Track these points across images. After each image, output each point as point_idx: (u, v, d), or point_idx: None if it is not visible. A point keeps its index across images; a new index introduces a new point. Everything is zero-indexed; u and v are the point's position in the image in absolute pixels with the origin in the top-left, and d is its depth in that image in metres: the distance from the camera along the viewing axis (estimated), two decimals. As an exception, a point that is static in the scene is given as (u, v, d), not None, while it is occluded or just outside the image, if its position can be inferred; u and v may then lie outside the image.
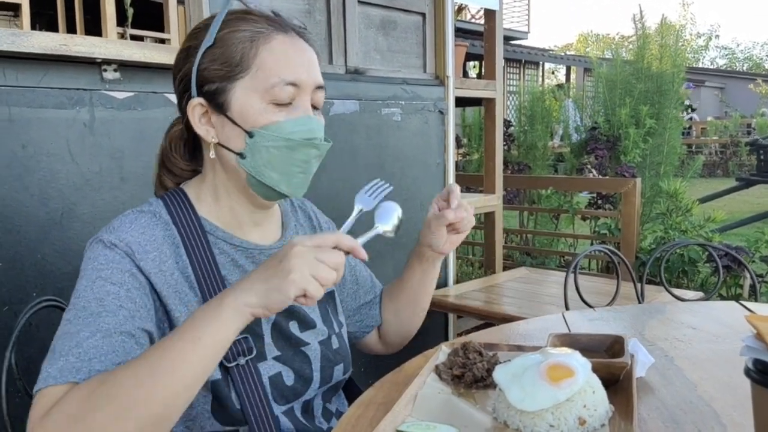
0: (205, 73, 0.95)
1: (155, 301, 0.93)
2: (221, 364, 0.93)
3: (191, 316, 0.83)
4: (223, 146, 0.97)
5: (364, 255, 0.86)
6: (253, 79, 0.94)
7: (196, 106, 0.97)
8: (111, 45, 1.72)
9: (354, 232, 0.93)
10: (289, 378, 1.01)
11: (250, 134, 0.94)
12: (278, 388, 0.99)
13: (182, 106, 1.00)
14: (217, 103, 0.95)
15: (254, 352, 0.96)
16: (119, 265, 0.90)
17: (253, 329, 0.98)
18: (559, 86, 10.08)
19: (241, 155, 0.96)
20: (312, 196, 1.04)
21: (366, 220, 1.04)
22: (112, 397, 0.76)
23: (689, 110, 15.84)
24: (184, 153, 1.07)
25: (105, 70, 1.75)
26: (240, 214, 1.03)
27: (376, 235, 0.98)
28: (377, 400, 0.98)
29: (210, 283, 0.96)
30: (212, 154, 0.98)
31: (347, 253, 0.85)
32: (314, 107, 1.00)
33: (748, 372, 0.67)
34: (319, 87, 0.99)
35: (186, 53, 0.99)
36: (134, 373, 0.78)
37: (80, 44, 1.65)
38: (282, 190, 0.98)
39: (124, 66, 1.78)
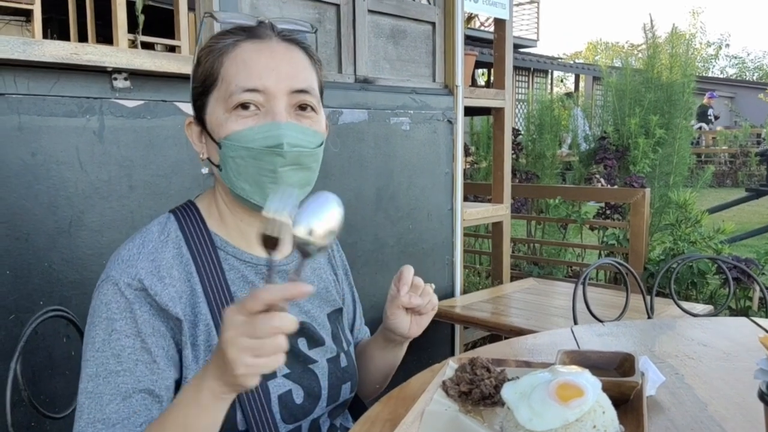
0: (194, 92, 0.99)
1: (175, 329, 0.92)
2: None
3: (176, 400, 0.84)
4: (210, 161, 1.00)
5: (305, 290, 0.73)
6: (219, 90, 0.95)
7: (191, 123, 1.01)
8: (122, 54, 1.72)
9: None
10: (298, 396, 1.00)
11: (219, 145, 0.95)
12: (287, 407, 0.98)
13: None
14: (200, 119, 0.99)
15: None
16: (133, 314, 0.90)
17: None
18: (568, 95, 10.07)
19: (219, 168, 0.97)
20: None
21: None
22: None
23: (712, 120, 15.77)
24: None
25: (115, 79, 1.75)
26: (244, 229, 1.02)
27: (308, 254, 0.78)
28: (383, 417, 0.97)
29: (219, 299, 0.96)
30: (204, 170, 1.01)
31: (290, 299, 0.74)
32: (301, 108, 0.96)
33: (762, 396, 0.66)
34: (300, 90, 0.95)
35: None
36: None
37: (91, 53, 1.65)
38: (256, 202, 0.94)
39: (134, 74, 1.79)
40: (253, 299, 0.71)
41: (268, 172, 0.93)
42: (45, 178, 1.64)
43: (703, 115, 15.95)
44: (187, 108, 1.90)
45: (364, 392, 1.22)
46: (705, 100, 16.38)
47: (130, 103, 1.79)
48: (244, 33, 0.97)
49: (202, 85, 0.97)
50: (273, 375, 0.98)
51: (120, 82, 1.76)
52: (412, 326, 1.09)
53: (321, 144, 0.99)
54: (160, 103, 1.86)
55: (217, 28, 1.02)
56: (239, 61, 0.94)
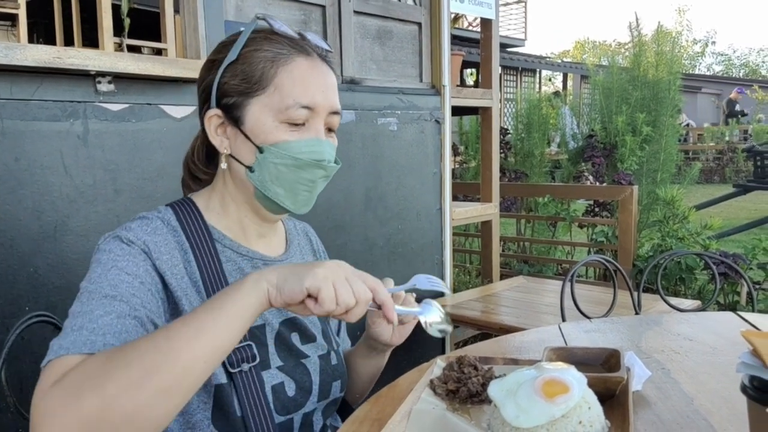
0: (225, 87, 0.99)
1: (166, 300, 0.95)
2: (225, 370, 0.94)
3: (216, 295, 0.83)
4: (235, 158, 1.01)
5: (392, 316, 0.88)
6: (269, 97, 0.97)
7: (213, 116, 1.01)
8: (105, 57, 1.71)
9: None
10: (290, 389, 1.02)
11: (261, 149, 0.98)
12: (280, 399, 1.00)
13: (202, 116, 1.04)
14: (233, 117, 0.99)
15: (257, 359, 0.97)
16: (135, 259, 0.92)
17: (257, 337, 1.00)
18: (556, 93, 10.11)
19: (250, 168, 0.99)
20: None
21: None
22: (128, 363, 0.73)
23: (740, 115, 15.75)
24: (205, 161, 1.11)
25: (99, 82, 1.74)
26: (246, 225, 1.06)
27: (413, 316, 1.04)
28: (372, 416, 0.97)
29: (216, 288, 0.98)
30: (224, 165, 1.03)
31: (378, 306, 0.88)
32: (329, 129, 1.03)
33: (744, 389, 0.67)
34: (335, 112, 1.02)
35: (210, 65, 1.03)
36: (152, 340, 0.76)
37: (74, 56, 1.64)
38: (286, 206, 1.01)
39: (118, 78, 1.78)
40: (369, 276, 0.88)
41: (306, 182, 1.00)
42: (29, 182, 1.62)
43: (732, 110, 15.98)
44: (172, 111, 1.90)
45: (347, 399, 1.23)
46: (732, 95, 16.47)
47: (114, 107, 1.78)
48: (295, 45, 1.00)
49: (245, 85, 0.98)
50: (267, 365, 1.00)
51: (104, 86, 1.75)
52: (394, 335, 1.10)
53: (337, 158, 1.06)
54: (145, 107, 1.85)
55: (203, 23, 1.02)
56: (296, 76, 0.98)
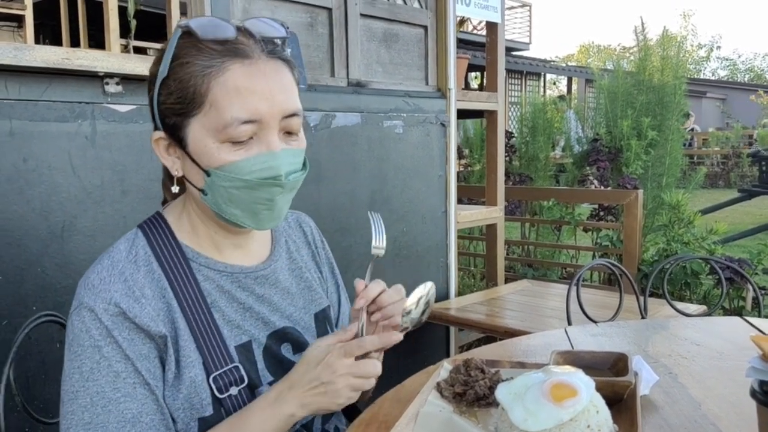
0: (163, 107, 0.91)
1: (160, 346, 0.91)
2: (213, 396, 0.91)
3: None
4: (188, 180, 0.94)
5: (395, 339, 0.91)
6: (206, 116, 0.88)
7: (159, 139, 0.93)
8: (113, 58, 1.72)
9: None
10: None
11: (207, 173, 0.90)
12: None
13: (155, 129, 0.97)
14: (177, 138, 0.91)
15: (246, 381, 0.93)
16: (115, 337, 0.87)
17: (244, 356, 0.96)
18: (561, 97, 10.10)
19: (203, 191, 0.92)
20: (313, 208, 1.03)
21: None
22: None
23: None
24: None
25: (107, 84, 1.75)
26: (218, 241, 1.00)
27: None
28: (378, 418, 0.97)
29: (195, 311, 0.93)
30: (175, 188, 0.96)
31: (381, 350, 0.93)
32: (288, 133, 0.93)
33: (754, 393, 0.67)
34: (291, 115, 0.91)
35: (150, 80, 0.94)
36: None
37: (82, 58, 1.65)
38: (248, 225, 0.94)
39: (126, 79, 1.78)
40: (358, 346, 0.87)
41: (264, 201, 0.91)
42: (37, 183, 1.63)
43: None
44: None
45: None
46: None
47: (122, 108, 1.78)
48: (228, 51, 0.88)
49: (179, 106, 0.89)
50: (257, 384, 0.96)
51: (112, 87, 1.76)
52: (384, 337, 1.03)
53: (306, 160, 0.97)
54: (152, 108, 1.86)
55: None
56: (231, 89, 0.87)
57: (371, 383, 0.89)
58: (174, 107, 0.90)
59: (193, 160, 0.90)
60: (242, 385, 0.93)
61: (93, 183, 1.73)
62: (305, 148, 0.97)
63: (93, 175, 1.73)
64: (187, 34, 0.90)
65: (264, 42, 0.91)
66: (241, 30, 0.91)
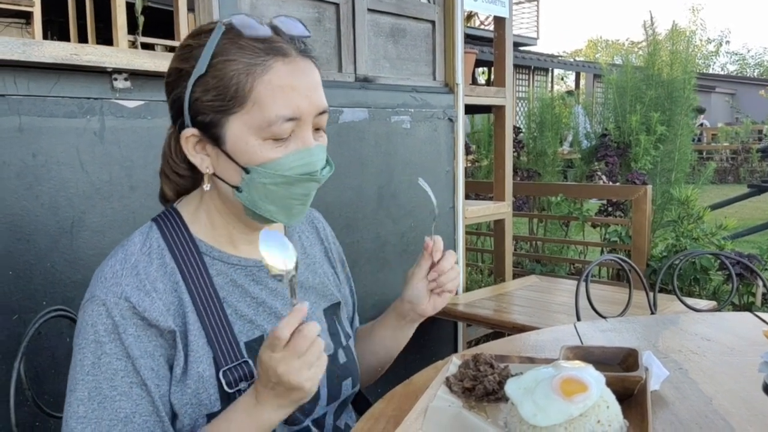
0: (198, 104, 0.90)
1: (168, 342, 0.91)
2: (222, 391, 0.91)
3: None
4: (219, 177, 0.94)
5: (305, 309, 0.83)
6: (249, 114, 0.88)
7: (190, 136, 0.93)
8: (122, 54, 1.72)
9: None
10: None
11: (246, 170, 0.90)
12: None
13: (177, 130, 0.96)
14: (212, 136, 0.91)
15: (255, 376, 0.92)
16: (119, 336, 0.88)
17: (254, 351, 0.95)
18: (569, 92, 10.06)
19: (237, 188, 0.92)
20: (321, 203, 1.03)
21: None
22: None
23: None
24: (187, 168, 1.01)
25: (116, 79, 1.75)
26: (235, 236, 1.00)
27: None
28: (387, 413, 0.97)
29: (207, 306, 0.93)
30: (207, 186, 0.95)
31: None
32: (316, 129, 0.94)
33: (766, 388, 0.66)
34: (323, 112, 0.93)
35: (177, 74, 0.93)
36: None
37: (91, 53, 1.65)
38: (280, 221, 0.96)
39: (134, 75, 1.78)
40: (276, 338, 0.80)
41: (300, 196, 0.93)
42: (46, 179, 1.64)
43: None
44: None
45: (364, 378, 1.20)
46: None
47: (130, 104, 1.79)
48: (269, 48, 0.89)
49: (219, 102, 0.89)
50: None
51: (120, 83, 1.76)
52: (428, 304, 1.10)
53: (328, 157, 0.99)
54: (160, 104, 1.86)
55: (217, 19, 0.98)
56: (276, 87, 0.88)
57: (318, 354, 0.83)
58: (212, 104, 0.89)
59: (230, 158, 0.90)
60: (252, 381, 0.93)
61: (101, 179, 1.74)
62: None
63: (101, 170, 1.74)
64: (229, 31, 0.90)
65: (295, 41, 0.93)
66: (274, 28, 0.92)
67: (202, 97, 0.90)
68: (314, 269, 1.12)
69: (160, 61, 1.78)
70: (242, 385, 0.92)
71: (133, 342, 0.88)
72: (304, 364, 0.81)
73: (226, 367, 0.92)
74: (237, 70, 0.88)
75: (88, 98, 1.71)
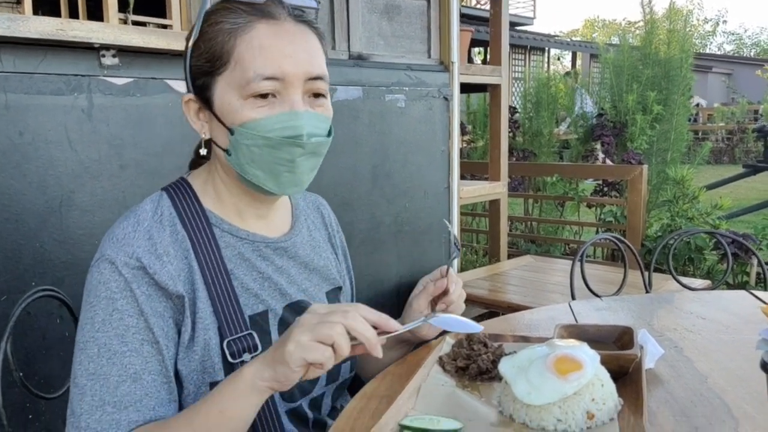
0: (194, 69, 0.93)
1: (176, 306, 0.90)
2: (226, 362, 0.91)
3: (217, 387, 0.85)
4: (214, 142, 0.95)
5: (394, 328, 0.83)
6: (232, 73, 0.90)
7: (189, 101, 0.96)
8: (109, 30, 1.68)
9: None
10: None
11: (231, 131, 0.91)
12: None
13: None
14: (205, 99, 0.93)
15: (259, 349, 0.93)
16: (133, 291, 0.87)
17: (259, 325, 0.96)
18: (568, 74, 9.99)
19: (227, 152, 0.93)
20: (314, 183, 1.01)
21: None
22: None
23: None
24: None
25: (103, 56, 1.72)
26: (242, 208, 1.00)
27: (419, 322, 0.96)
28: (380, 393, 0.96)
29: (216, 277, 0.93)
30: (203, 151, 0.98)
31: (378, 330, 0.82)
32: (316, 96, 0.93)
33: (764, 365, 0.65)
34: (315, 77, 0.92)
35: (185, 45, 0.96)
36: None
37: (78, 29, 1.62)
38: (269, 188, 0.94)
39: (122, 51, 1.75)
40: (351, 305, 0.80)
41: (285, 162, 0.91)
42: (34, 157, 1.61)
43: None
44: (178, 85, 1.87)
45: (363, 379, 1.18)
46: None
47: (119, 81, 1.75)
48: (256, 11, 0.91)
49: (208, 64, 0.91)
50: None
51: (108, 59, 1.73)
52: (429, 330, 1.08)
53: (331, 129, 0.97)
54: (150, 81, 1.83)
55: (207, 3, 0.97)
56: (256, 46, 0.88)
57: (340, 340, 0.78)
58: (203, 67, 0.92)
59: (219, 120, 0.92)
60: (255, 353, 0.93)
61: (90, 157, 1.71)
62: (331, 116, 0.97)
63: (90, 149, 1.71)
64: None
65: (288, 7, 0.93)
66: None
67: (196, 62, 0.93)
68: (319, 252, 1.12)
69: (148, 37, 1.75)
70: (245, 356, 0.92)
71: (144, 300, 0.88)
72: (315, 331, 0.78)
73: (231, 338, 0.92)
74: (222, 31, 0.90)
75: (76, 75, 1.68)
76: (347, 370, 1.08)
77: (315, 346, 0.77)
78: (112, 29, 1.69)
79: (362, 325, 0.79)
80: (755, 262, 3.37)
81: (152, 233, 0.91)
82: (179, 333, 0.91)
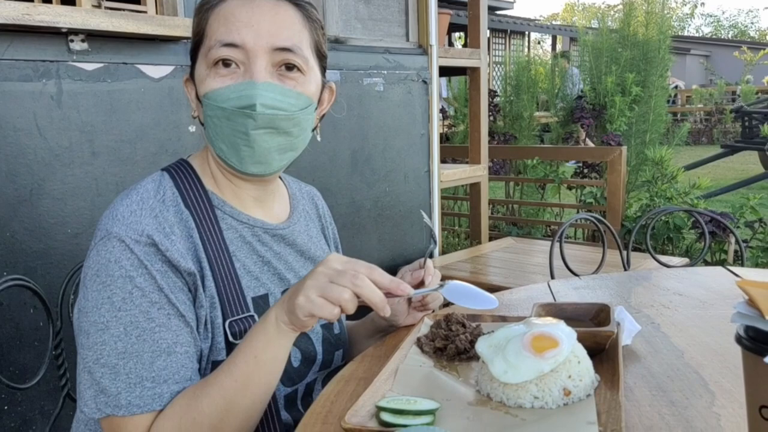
0: (190, 51, 0.98)
1: (189, 282, 0.90)
2: (228, 342, 0.91)
3: (247, 335, 0.86)
4: (199, 119, 0.97)
5: (406, 292, 0.85)
6: (204, 46, 0.92)
7: (186, 80, 0.99)
8: (76, 13, 1.64)
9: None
10: (296, 359, 1.00)
11: (201, 103, 0.93)
12: (285, 370, 0.94)
13: None
14: (193, 77, 0.96)
15: None
16: (148, 268, 0.85)
17: (260, 307, 0.96)
18: (563, 55, 9.97)
19: (204, 126, 0.94)
20: (293, 168, 1.00)
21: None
22: (198, 425, 0.82)
23: None
24: None
25: (72, 41, 1.68)
26: (239, 193, 1.00)
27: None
28: (358, 375, 0.95)
29: (219, 260, 0.93)
30: (191, 128, 1.00)
31: (389, 294, 0.84)
32: (288, 67, 0.91)
33: (739, 339, 0.64)
34: (282, 48, 0.90)
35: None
36: (211, 400, 0.83)
37: (44, 13, 1.57)
38: (233, 163, 0.93)
39: (92, 36, 1.71)
40: (360, 263, 0.82)
41: (241, 135, 0.90)
42: (2, 145, 1.57)
43: None
44: (150, 70, 1.84)
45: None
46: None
47: (88, 66, 1.72)
48: None
49: (193, 42, 0.95)
50: None
51: (77, 44, 1.69)
52: (408, 317, 1.10)
53: (306, 108, 0.94)
54: (121, 66, 1.79)
55: None
56: (221, 16, 0.90)
57: (343, 297, 0.80)
58: (190, 46, 0.96)
59: (197, 94, 0.94)
60: None
61: (61, 144, 1.67)
62: (309, 95, 0.95)
63: (60, 136, 1.67)
64: None
65: None
66: None
67: (190, 45, 0.96)
68: (315, 242, 1.13)
69: (118, 21, 1.71)
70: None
71: (161, 277, 0.86)
72: (324, 286, 0.80)
73: (233, 318, 0.92)
74: (202, 9, 0.94)
75: (44, 61, 1.64)
76: (339, 358, 1.09)
77: (323, 303, 0.79)
78: (80, 12, 1.65)
79: (370, 292, 0.80)
80: (733, 240, 3.41)
81: (157, 212, 0.90)
82: (194, 306, 0.91)
